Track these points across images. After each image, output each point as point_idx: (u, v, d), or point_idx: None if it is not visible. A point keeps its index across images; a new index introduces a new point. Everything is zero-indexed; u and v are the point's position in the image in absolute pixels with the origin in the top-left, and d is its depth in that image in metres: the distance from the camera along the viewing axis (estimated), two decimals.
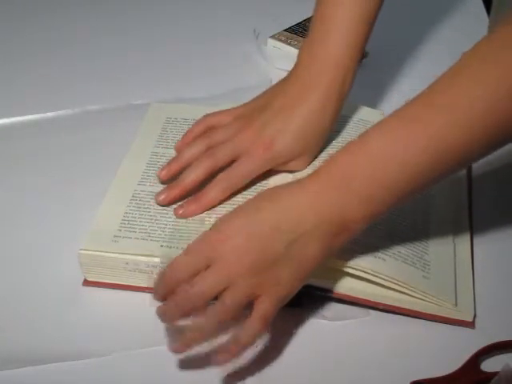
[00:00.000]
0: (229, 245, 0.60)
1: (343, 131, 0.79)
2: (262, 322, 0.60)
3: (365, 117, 0.81)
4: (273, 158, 0.73)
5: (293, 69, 0.77)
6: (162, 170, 0.75)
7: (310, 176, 0.62)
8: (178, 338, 0.61)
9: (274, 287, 0.61)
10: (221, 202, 0.73)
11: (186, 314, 0.61)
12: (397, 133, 0.59)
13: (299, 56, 0.77)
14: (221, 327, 0.61)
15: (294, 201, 0.61)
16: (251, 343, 0.61)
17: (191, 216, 0.72)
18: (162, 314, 0.62)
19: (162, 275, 0.63)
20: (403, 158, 0.59)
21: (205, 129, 0.77)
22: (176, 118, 0.84)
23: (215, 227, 0.62)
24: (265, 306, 0.61)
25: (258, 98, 0.78)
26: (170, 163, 0.75)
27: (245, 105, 0.78)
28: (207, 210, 0.72)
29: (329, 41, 0.74)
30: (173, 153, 0.79)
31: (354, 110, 0.82)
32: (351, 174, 0.60)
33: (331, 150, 0.77)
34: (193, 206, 0.72)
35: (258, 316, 0.60)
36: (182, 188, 0.73)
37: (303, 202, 0.61)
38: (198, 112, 0.83)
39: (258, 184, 0.75)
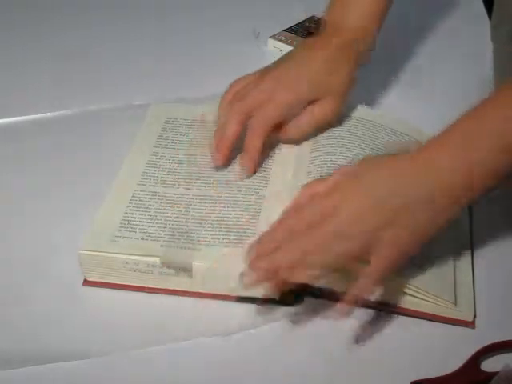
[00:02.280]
0: (345, 205, 0.62)
1: (343, 129, 0.79)
2: (373, 277, 0.62)
3: (364, 116, 0.81)
4: (297, 98, 0.77)
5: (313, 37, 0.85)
6: (217, 153, 0.77)
7: (422, 146, 0.63)
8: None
9: (387, 248, 0.62)
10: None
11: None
12: None
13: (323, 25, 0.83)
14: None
15: (406, 168, 0.63)
16: (364, 293, 0.63)
17: (256, 169, 0.76)
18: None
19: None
20: None
21: (234, 94, 0.80)
22: (176, 118, 0.84)
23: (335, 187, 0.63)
24: (376, 266, 0.62)
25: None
26: (218, 145, 0.77)
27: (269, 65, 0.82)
28: (259, 157, 0.76)
29: (349, 12, 0.82)
30: (173, 153, 0.79)
31: (353, 109, 0.82)
32: (469, 137, 0.61)
33: (329, 146, 0.78)
34: (247, 163, 0.76)
35: (370, 272, 0.62)
36: (226, 142, 0.76)
37: (416, 169, 0.62)
38: (198, 112, 0.83)
39: (263, 170, 0.77)
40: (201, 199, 0.74)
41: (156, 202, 0.74)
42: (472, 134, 0.61)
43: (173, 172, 0.77)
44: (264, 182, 0.76)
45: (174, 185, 0.76)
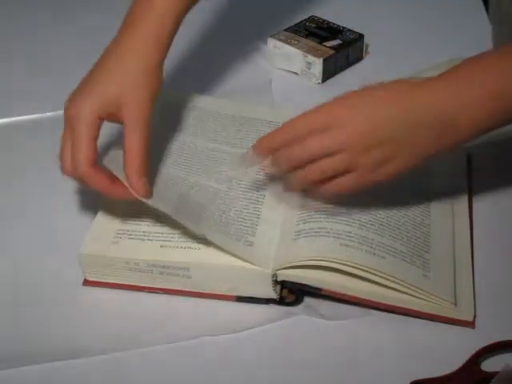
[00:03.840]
0: (349, 116, 0.64)
1: None
2: (336, 191, 0.66)
3: None
4: None
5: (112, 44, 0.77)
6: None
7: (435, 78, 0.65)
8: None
9: (369, 173, 0.65)
10: None
11: (290, 167, 0.67)
12: None
13: (124, 26, 0.76)
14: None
15: (414, 94, 0.64)
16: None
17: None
18: (273, 163, 0.67)
19: (278, 129, 0.67)
20: None
21: None
22: (177, 102, 0.85)
23: (340, 100, 0.65)
24: (348, 184, 0.65)
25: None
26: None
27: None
28: None
29: (150, 16, 0.74)
30: (174, 135, 0.80)
31: None
32: (475, 76, 0.64)
33: None
34: None
35: (337, 186, 0.66)
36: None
37: (423, 96, 0.64)
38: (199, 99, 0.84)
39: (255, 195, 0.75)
40: (201, 188, 0.74)
41: (160, 180, 0.73)
42: (474, 74, 0.64)
43: (174, 154, 0.78)
44: (265, 180, 0.75)
45: (176, 167, 0.76)
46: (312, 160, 0.65)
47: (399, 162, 0.65)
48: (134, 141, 0.69)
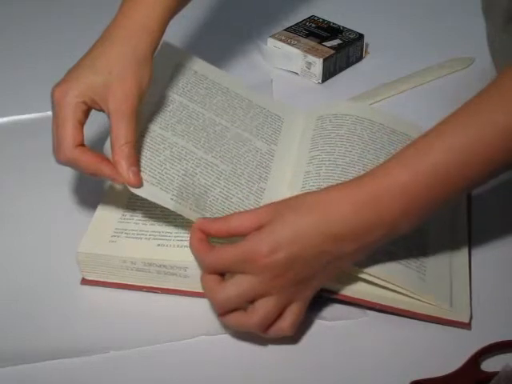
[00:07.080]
0: (271, 261, 0.61)
1: (342, 128, 0.79)
2: (293, 327, 0.64)
3: (363, 115, 0.81)
4: None
5: (108, 29, 0.76)
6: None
7: (344, 192, 0.63)
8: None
9: (305, 295, 0.64)
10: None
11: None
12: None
13: (116, 17, 0.76)
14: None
15: (334, 220, 0.62)
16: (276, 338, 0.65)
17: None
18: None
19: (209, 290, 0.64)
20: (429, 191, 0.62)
21: None
22: (185, 65, 0.82)
23: (259, 238, 0.61)
24: (295, 313, 0.64)
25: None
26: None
27: None
28: None
29: (141, 7, 0.74)
30: (184, 102, 0.78)
31: (352, 107, 0.82)
32: (380, 200, 0.61)
33: (327, 145, 0.77)
34: None
35: (290, 322, 0.64)
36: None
37: (343, 223, 0.62)
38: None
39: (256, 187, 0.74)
40: (207, 165, 0.73)
41: (166, 149, 0.72)
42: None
43: (183, 123, 0.76)
44: (265, 174, 0.75)
45: (184, 137, 0.74)
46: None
47: (327, 275, 0.65)
48: (121, 130, 0.68)
